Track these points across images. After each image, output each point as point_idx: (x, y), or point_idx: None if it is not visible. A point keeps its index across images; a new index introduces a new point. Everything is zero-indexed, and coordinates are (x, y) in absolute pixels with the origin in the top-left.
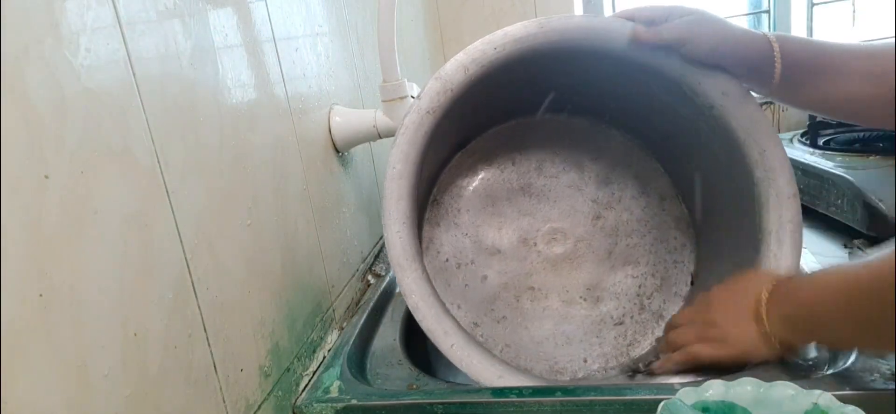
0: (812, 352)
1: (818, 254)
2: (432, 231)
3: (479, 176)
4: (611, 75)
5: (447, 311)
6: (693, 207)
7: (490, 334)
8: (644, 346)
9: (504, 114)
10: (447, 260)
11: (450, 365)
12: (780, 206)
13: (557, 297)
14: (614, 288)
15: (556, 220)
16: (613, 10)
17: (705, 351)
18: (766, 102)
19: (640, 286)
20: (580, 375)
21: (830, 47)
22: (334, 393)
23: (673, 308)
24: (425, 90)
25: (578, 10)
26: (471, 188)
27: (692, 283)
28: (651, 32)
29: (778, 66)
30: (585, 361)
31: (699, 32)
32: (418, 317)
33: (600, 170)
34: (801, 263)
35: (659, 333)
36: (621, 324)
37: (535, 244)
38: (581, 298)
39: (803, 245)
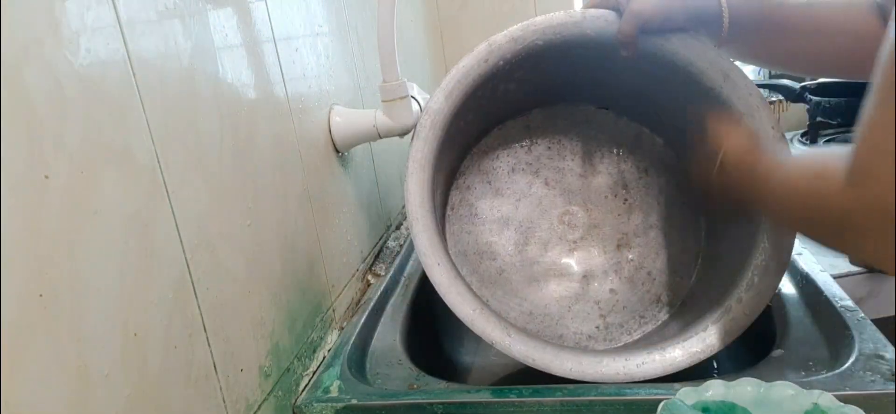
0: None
1: (818, 254)
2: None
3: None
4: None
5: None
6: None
7: None
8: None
9: (499, 117)
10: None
11: (450, 365)
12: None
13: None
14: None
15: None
16: None
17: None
18: (769, 102)
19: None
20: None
21: (776, 4)
22: (334, 393)
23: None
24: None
25: (578, 7)
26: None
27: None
28: (621, 35)
29: (725, 20)
30: None
31: (649, 8)
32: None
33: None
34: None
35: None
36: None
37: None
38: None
39: (803, 245)
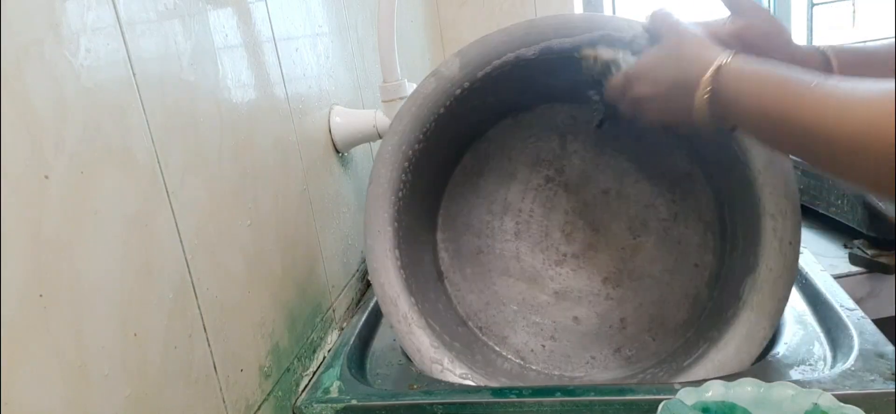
0: None
1: (818, 254)
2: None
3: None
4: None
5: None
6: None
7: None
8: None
9: (501, 113)
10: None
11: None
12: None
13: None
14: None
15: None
16: (613, 9)
17: (651, 115)
18: None
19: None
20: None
21: (877, 48)
22: (334, 393)
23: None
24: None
25: (578, 9)
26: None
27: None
28: None
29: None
30: None
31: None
32: None
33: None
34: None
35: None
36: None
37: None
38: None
39: (803, 245)
